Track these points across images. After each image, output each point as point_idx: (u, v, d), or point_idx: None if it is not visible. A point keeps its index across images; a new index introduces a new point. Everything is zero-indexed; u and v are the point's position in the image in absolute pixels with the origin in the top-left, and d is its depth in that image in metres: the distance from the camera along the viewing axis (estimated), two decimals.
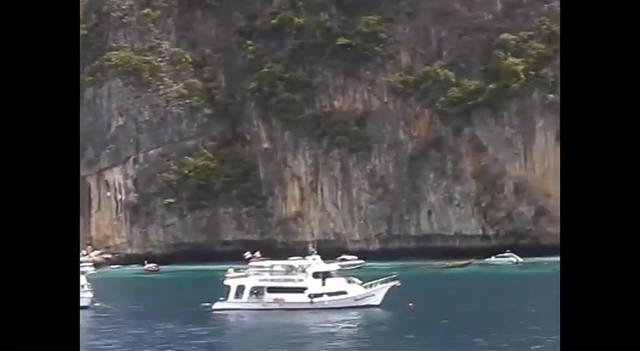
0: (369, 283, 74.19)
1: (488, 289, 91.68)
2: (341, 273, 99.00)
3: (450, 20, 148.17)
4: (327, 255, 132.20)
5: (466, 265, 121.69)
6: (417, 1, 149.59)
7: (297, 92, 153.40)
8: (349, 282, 74.44)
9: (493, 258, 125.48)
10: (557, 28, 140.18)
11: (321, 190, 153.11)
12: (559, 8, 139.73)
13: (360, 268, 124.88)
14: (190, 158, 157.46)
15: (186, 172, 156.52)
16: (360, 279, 75.82)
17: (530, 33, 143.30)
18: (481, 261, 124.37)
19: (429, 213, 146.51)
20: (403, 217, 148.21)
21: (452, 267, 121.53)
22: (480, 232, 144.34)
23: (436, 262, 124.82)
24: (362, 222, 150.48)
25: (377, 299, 72.58)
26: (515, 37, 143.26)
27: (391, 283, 73.05)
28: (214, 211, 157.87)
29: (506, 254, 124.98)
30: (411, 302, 70.36)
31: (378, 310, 71.31)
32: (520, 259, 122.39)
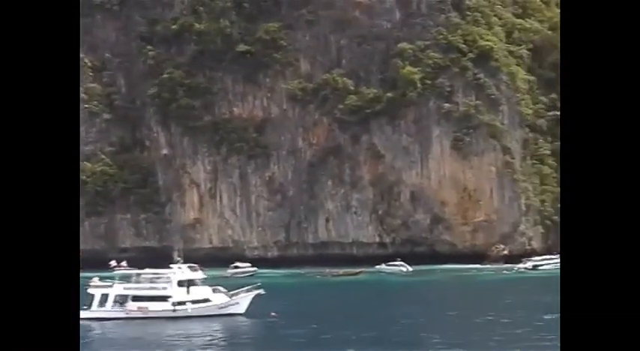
0: (235, 291, 72.52)
1: (368, 297, 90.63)
2: (233, 280, 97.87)
3: (349, 28, 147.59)
4: (225, 262, 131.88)
5: (357, 273, 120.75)
6: (316, 9, 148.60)
7: (196, 98, 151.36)
8: (214, 290, 72.68)
9: (384, 266, 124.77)
10: (453, 38, 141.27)
11: (220, 196, 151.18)
12: (456, 19, 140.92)
13: (252, 275, 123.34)
14: (88, 164, 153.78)
15: (83, 177, 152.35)
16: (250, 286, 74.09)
17: (427, 42, 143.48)
18: (372, 269, 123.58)
19: (327, 220, 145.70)
20: (301, 224, 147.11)
21: (343, 275, 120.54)
22: (377, 239, 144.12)
23: (327, 270, 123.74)
24: (260, 229, 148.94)
25: (241, 307, 70.95)
26: (412, 46, 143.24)
27: (255, 292, 71.48)
28: (112, 218, 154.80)
29: (396, 263, 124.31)
30: (274, 312, 68.86)
31: (242, 318, 69.65)
32: (410, 268, 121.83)
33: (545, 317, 56.26)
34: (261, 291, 71.12)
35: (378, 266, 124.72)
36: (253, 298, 71.40)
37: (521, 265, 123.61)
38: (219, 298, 71.76)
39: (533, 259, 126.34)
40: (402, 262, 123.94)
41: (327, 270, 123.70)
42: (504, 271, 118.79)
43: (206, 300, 71.26)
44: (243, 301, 71.32)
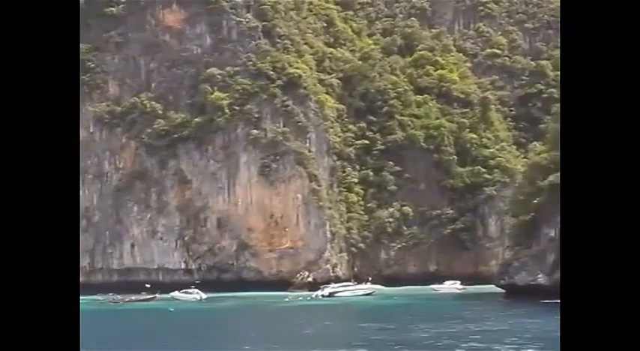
0: None
1: (128, 325, 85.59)
2: None
3: (159, 52, 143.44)
4: None
5: (150, 299, 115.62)
6: (126, 32, 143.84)
7: None
8: None
9: (177, 293, 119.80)
10: (262, 64, 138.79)
11: None
12: (266, 46, 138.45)
13: None
14: None
15: None
16: None
17: (236, 68, 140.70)
18: (167, 295, 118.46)
19: (133, 246, 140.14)
20: (106, 249, 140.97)
21: (135, 301, 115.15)
22: (183, 265, 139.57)
23: (119, 296, 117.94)
24: None
25: None
26: (222, 71, 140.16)
27: None
28: None
29: (190, 290, 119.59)
30: None
31: None
32: (204, 295, 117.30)
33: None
34: None
35: (172, 293, 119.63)
36: None
37: (318, 292, 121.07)
38: None
39: (330, 286, 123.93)
40: (196, 290, 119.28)
41: (119, 296, 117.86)
42: (299, 298, 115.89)
43: None
44: None
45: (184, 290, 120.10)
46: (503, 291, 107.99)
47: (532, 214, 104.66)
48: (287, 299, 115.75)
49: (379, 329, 68.75)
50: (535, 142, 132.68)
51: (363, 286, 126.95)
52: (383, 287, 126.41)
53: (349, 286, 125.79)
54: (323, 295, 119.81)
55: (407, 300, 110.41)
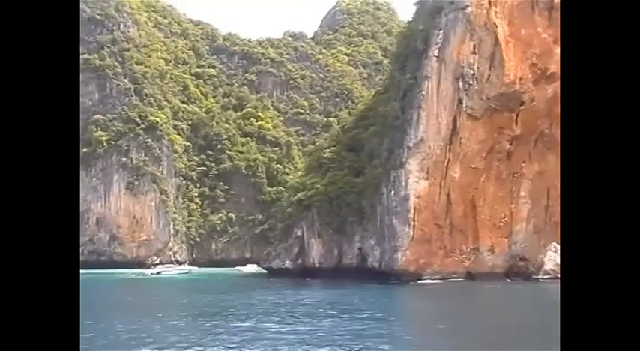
0: None
1: None
2: None
3: None
4: None
5: None
6: None
7: None
8: None
9: None
10: (132, 113, 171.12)
11: None
12: (136, 101, 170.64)
13: None
14: None
15: None
16: None
17: (114, 116, 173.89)
18: None
19: None
20: None
21: None
22: None
23: None
24: None
25: None
26: (104, 117, 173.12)
27: None
28: None
29: None
30: None
31: None
32: None
33: None
34: None
35: None
36: None
37: (148, 271, 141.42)
38: None
39: (158, 266, 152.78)
40: None
41: None
42: (133, 275, 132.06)
43: None
44: None
45: None
46: (266, 271, 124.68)
47: (287, 220, 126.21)
48: (128, 275, 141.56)
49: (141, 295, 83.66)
50: (299, 171, 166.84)
51: (182, 267, 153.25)
52: (197, 268, 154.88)
53: (172, 266, 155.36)
54: (152, 273, 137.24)
55: (209, 277, 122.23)
